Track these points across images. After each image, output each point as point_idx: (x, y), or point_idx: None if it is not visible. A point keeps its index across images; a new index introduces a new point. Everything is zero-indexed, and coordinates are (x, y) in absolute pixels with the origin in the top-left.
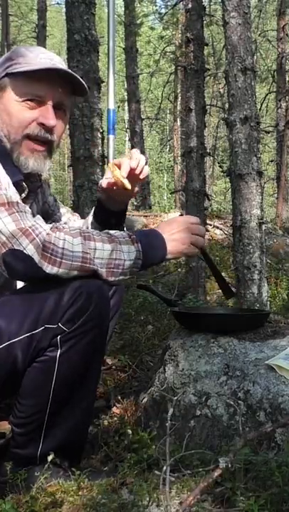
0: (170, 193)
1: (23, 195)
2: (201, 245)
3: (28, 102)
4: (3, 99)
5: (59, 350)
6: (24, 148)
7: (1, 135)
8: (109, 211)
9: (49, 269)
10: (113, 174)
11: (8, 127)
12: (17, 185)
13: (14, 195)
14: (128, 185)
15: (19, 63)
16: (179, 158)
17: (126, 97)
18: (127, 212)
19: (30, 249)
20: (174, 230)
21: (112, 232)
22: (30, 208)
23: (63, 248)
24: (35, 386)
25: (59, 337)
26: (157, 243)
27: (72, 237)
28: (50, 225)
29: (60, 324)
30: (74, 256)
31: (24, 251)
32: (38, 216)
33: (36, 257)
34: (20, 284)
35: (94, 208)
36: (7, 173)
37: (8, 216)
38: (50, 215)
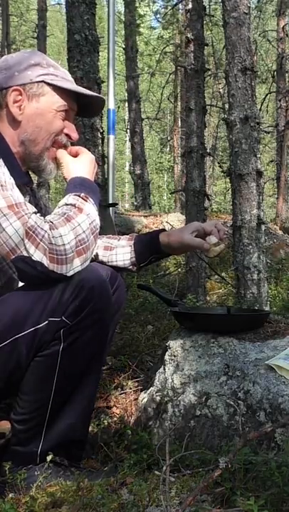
0: (170, 193)
1: (26, 198)
2: None
3: (62, 113)
4: (39, 104)
5: (62, 344)
6: (48, 155)
7: (23, 139)
8: (159, 251)
9: (59, 269)
10: (215, 252)
11: (42, 132)
12: (22, 187)
13: (20, 196)
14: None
15: (55, 75)
16: (179, 158)
17: (126, 97)
18: (127, 213)
19: (38, 255)
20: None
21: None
22: None
23: (63, 244)
24: (37, 381)
25: (62, 330)
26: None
27: (62, 227)
28: (46, 221)
29: (63, 317)
30: (71, 246)
31: (32, 257)
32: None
33: (45, 261)
34: (20, 284)
35: (140, 236)
36: (13, 175)
37: (17, 220)
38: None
